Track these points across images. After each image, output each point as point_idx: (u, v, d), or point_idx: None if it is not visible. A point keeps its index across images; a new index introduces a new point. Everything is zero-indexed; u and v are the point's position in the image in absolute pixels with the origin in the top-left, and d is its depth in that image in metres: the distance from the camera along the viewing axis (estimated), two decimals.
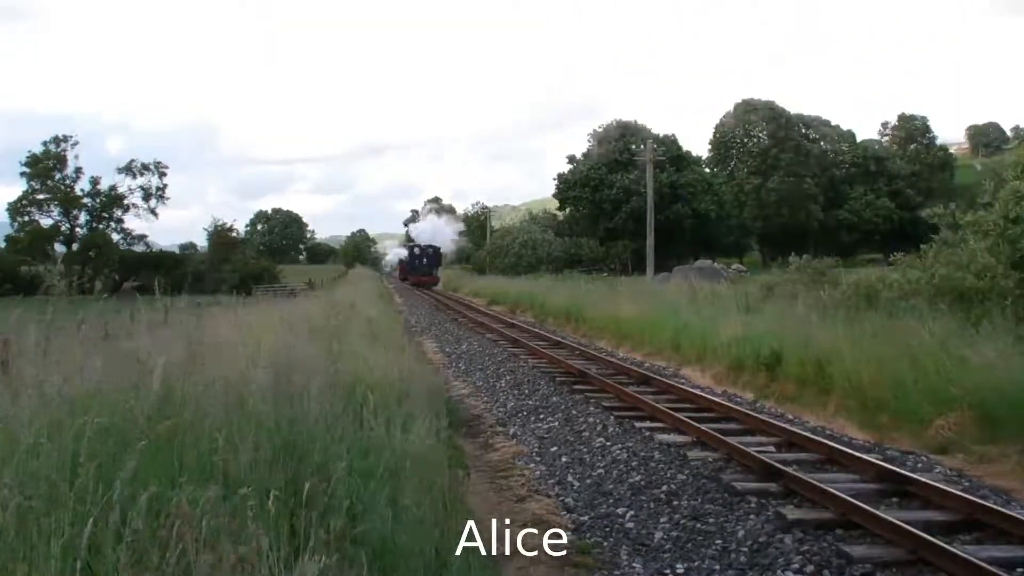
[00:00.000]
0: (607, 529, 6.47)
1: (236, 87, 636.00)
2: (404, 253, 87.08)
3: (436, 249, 73.01)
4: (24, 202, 66.70)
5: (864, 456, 7.84)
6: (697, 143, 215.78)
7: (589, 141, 76.45)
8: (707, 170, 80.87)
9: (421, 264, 68.07)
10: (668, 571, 5.55)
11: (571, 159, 75.98)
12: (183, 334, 7.16)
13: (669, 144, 71.32)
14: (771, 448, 8.52)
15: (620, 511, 6.85)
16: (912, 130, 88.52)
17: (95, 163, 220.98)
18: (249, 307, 14.67)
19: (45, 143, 66.44)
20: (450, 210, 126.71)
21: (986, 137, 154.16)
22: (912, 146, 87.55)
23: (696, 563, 5.64)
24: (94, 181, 68.08)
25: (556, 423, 10.47)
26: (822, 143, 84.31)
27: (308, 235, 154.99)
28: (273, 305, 17.13)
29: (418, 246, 73.40)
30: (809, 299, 16.34)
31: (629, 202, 68.81)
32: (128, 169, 68.61)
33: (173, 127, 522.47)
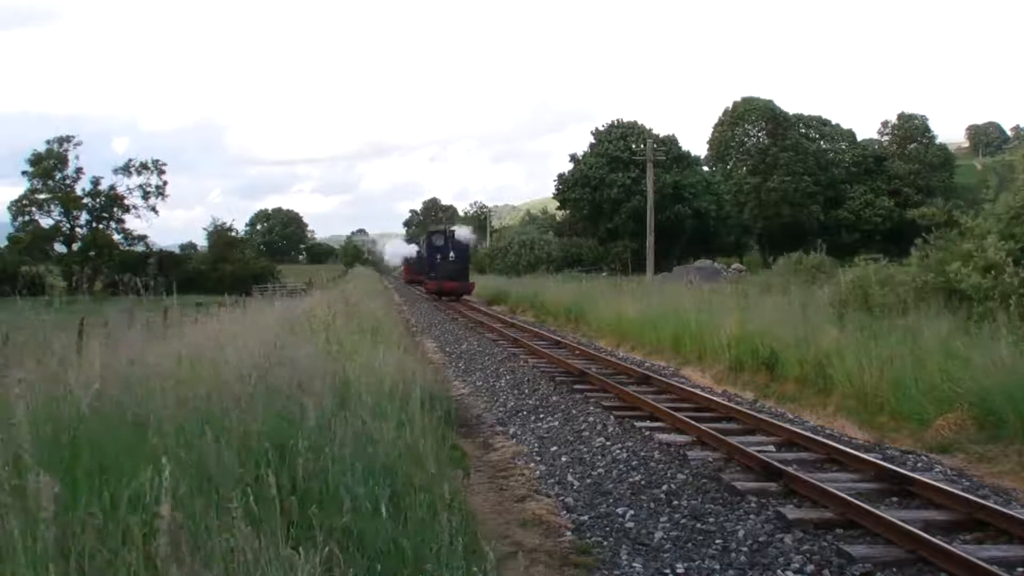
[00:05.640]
0: (607, 529, 6.45)
1: (242, 88, 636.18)
2: (413, 248, 66.41)
3: (466, 245, 46.54)
4: (25, 202, 66.85)
5: (864, 455, 7.84)
6: (697, 143, 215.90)
7: (591, 140, 76.48)
8: (706, 169, 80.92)
9: (446, 263, 41.72)
10: (668, 571, 5.54)
11: (573, 157, 75.99)
12: (182, 335, 7.16)
13: (670, 144, 71.38)
14: (771, 448, 8.52)
15: (620, 511, 6.84)
16: (912, 129, 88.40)
17: (102, 164, 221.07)
18: (249, 306, 14.67)
19: (48, 142, 66.66)
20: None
21: (986, 137, 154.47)
22: (912, 145, 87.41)
23: (696, 562, 5.63)
24: (95, 181, 68.27)
25: (556, 423, 10.46)
26: (821, 142, 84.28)
27: (308, 235, 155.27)
28: (272, 304, 17.12)
29: (440, 232, 47.50)
30: (803, 296, 16.31)
31: (630, 201, 68.88)
32: (126, 169, 68.76)
33: (178, 128, 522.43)
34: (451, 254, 41.93)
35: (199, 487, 3.85)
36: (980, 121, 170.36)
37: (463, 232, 49.58)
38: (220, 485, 3.95)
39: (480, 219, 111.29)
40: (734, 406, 10.62)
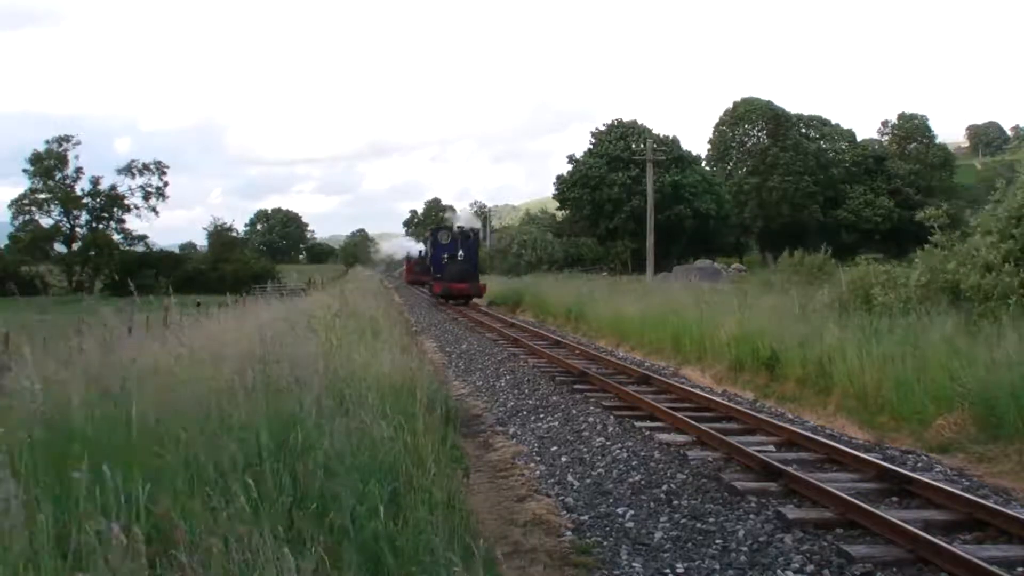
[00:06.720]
0: (607, 528, 6.44)
1: (242, 88, 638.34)
2: (415, 246, 63.41)
3: (476, 234, 42.20)
4: (25, 201, 66.95)
5: (864, 455, 7.83)
6: (697, 143, 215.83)
7: (591, 141, 76.43)
8: (707, 168, 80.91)
9: (454, 262, 36.56)
10: (668, 571, 5.53)
11: (571, 159, 75.95)
12: (181, 334, 7.16)
13: (670, 144, 71.32)
14: (771, 447, 8.51)
15: (620, 510, 6.83)
16: (912, 129, 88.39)
17: (102, 164, 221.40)
18: (248, 306, 14.66)
19: (48, 142, 66.81)
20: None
21: (986, 137, 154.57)
22: (912, 145, 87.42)
23: (696, 562, 5.62)
24: (94, 181, 68.38)
25: (556, 423, 10.45)
26: (821, 142, 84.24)
27: (308, 235, 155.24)
28: (271, 304, 17.11)
29: (446, 228, 43.38)
30: (803, 296, 16.29)
31: (630, 201, 68.84)
32: (128, 169, 68.91)
33: (178, 128, 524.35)
34: (459, 253, 36.70)
35: (198, 486, 3.84)
36: (980, 121, 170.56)
37: (464, 217, 44.85)
38: (219, 484, 3.94)
39: (480, 219, 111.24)
40: (734, 406, 10.61)
